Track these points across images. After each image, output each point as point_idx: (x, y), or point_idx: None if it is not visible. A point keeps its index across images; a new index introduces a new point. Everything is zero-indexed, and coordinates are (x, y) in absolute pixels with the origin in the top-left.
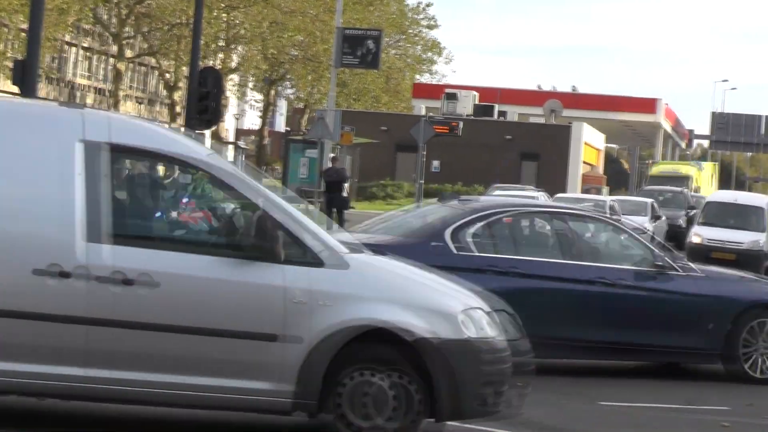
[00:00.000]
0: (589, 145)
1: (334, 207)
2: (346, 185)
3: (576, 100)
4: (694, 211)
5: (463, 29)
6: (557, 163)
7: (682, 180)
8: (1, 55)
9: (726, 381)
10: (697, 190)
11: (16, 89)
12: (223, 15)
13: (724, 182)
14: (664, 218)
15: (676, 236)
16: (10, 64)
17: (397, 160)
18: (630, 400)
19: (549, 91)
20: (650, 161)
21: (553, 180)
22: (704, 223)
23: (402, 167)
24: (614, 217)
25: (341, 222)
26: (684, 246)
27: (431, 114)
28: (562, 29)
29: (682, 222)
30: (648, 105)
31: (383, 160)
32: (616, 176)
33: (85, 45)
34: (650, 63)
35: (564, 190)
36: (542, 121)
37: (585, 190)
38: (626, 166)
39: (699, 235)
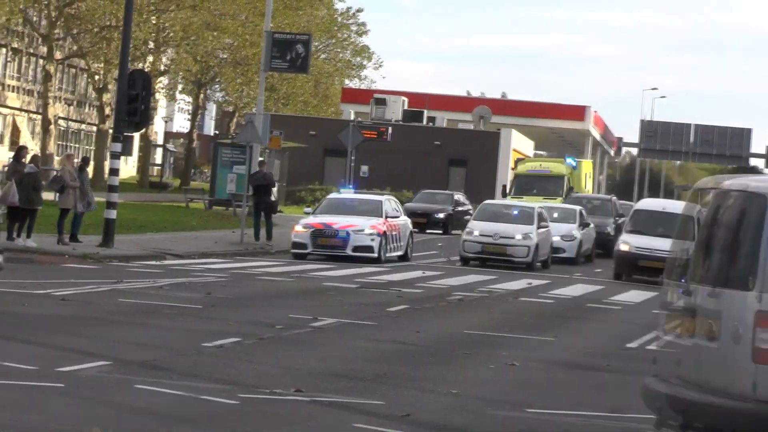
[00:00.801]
0: (518, 151)
1: (262, 210)
2: (274, 189)
3: (505, 106)
4: (623, 218)
5: (392, 35)
6: (485, 169)
7: (555, 180)
8: None
9: None
10: (570, 191)
11: None
12: (153, 18)
13: (653, 190)
14: (592, 226)
15: (604, 244)
16: None
17: (326, 164)
18: (557, 407)
19: (478, 97)
20: (516, 159)
21: (481, 186)
22: (632, 231)
23: (330, 172)
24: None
25: (269, 226)
26: (612, 254)
27: (360, 119)
28: (492, 36)
29: (610, 230)
30: (577, 112)
31: (312, 164)
32: None
33: (15, 46)
34: (580, 70)
35: (492, 197)
36: (471, 127)
37: None
38: None
39: (627, 243)
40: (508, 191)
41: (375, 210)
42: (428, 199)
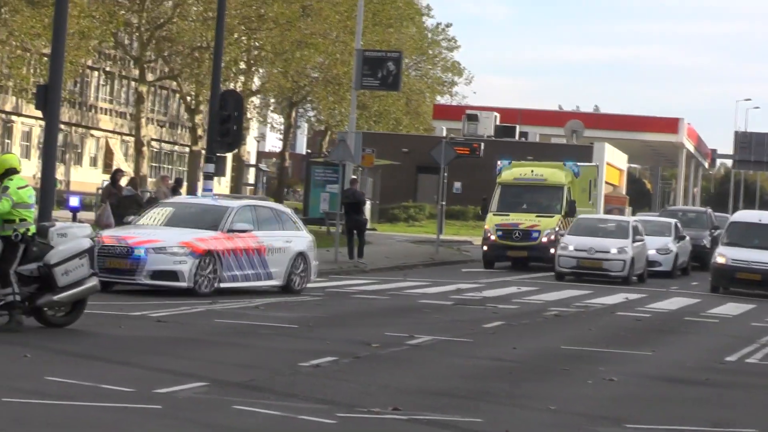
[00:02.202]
0: (612, 165)
1: (354, 229)
2: (366, 207)
3: (598, 120)
4: (718, 231)
5: (482, 50)
6: None
7: (551, 192)
8: (23, 79)
9: (755, 402)
10: (572, 205)
11: (39, 113)
12: (244, 38)
13: (749, 202)
14: (687, 238)
15: (700, 256)
16: (33, 89)
17: (419, 181)
18: (656, 422)
19: (570, 111)
20: (499, 162)
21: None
22: (729, 244)
23: (423, 189)
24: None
25: (361, 243)
26: (708, 266)
27: (452, 135)
28: (583, 48)
29: (706, 242)
30: (670, 125)
31: (405, 181)
32: (638, 196)
33: (107, 69)
34: (672, 82)
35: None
36: (564, 141)
37: (608, 211)
38: (649, 186)
39: (723, 255)
40: (489, 206)
41: (213, 221)
42: None
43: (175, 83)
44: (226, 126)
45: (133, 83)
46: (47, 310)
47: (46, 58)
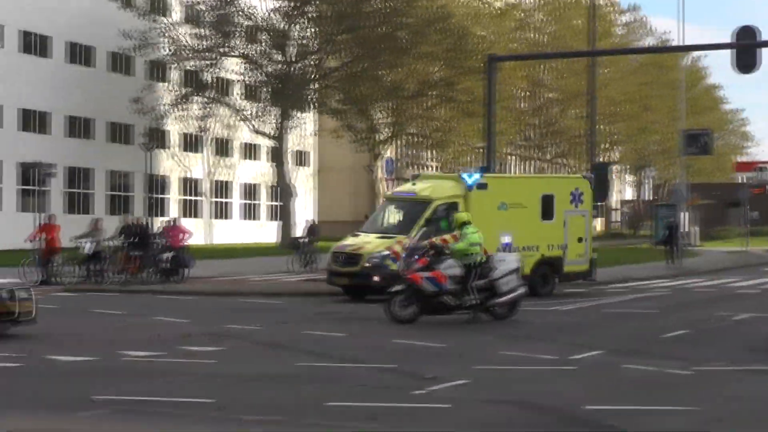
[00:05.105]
0: None
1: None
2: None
3: None
4: None
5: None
6: None
7: (416, 208)
8: (466, 165)
9: None
10: (431, 223)
11: None
12: (606, 128)
13: None
14: None
15: None
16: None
17: (728, 213)
18: None
19: None
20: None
21: None
22: None
23: (730, 218)
24: None
25: (672, 255)
26: None
27: (749, 181)
28: None
29: None
30: None
31: (718, 213)
32: None
33: (518, 153)
34: None
35: None
36: None
37: None
38: None
39: None
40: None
41: None
42: None
43: (564, 159)
44: (601, 186)
45: (536, 162)
46: (495, 308)
47: (480, 150)
